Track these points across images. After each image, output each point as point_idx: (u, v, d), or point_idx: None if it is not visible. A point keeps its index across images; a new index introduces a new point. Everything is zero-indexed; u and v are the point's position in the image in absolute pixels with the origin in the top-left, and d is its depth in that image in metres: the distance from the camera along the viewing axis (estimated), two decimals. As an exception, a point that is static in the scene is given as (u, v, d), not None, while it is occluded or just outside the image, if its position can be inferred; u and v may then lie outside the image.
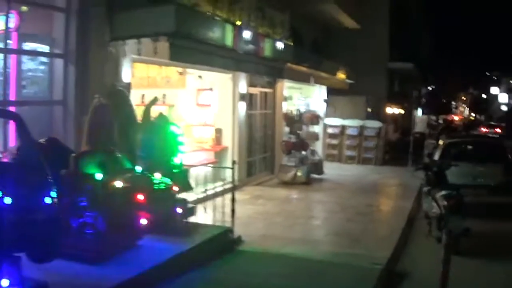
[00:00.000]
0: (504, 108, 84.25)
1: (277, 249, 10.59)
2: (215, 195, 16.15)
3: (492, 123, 62.01)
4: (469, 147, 18.27)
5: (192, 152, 16.56)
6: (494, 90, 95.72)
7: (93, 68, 11.33)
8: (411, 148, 26.15)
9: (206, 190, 15.60)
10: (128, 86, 12.26)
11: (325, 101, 26.32)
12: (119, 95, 10.42)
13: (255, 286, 8.41)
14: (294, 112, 20.28)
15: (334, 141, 26.77)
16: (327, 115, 26.75)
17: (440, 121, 66.15)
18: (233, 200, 11.00)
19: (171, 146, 10.47)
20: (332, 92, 26.46)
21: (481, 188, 15.06)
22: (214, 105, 17.75)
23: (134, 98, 18.24)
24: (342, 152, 26.62)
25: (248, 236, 11.61)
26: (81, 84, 11.06)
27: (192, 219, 10.89)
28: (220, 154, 17.62)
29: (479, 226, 13.30)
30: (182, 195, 10.83)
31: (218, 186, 16.89)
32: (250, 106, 18.93)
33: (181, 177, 10.62)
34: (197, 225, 10.83)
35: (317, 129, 25.08)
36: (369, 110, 28.01)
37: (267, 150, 20.69)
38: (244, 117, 17.96)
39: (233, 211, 10.89)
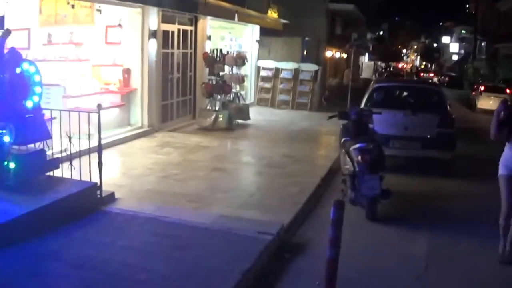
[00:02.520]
0: (455, 57, 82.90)
1: (155, 210, 8.61)
2: (118, 142, 14.34)
3: (428, 69, 61.56)
4: (403, 93, 16.15)
5: (95, 95, 14.66)
6: (445, 39, 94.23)
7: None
8: (350, 94, 24.25)
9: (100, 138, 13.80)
10: (1, 20, 10.06)
11: (258, 42, 24.27)
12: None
13: (95, 264, 6.44)
14: (216, 52, 18.05)
15: (267, 85, 24.67)
16: (261, 57, 24.71)
17: (391, 69, 64.91)
18: (99, 150, 8.88)
19: (23, 87, 8.36)
20: (266, 33, 24.40)
21: (413, 140, 12.96)
22: (123, 43, 15.71)
23: (41, 37, 16.39)
24: (275, 96, 24.57)
25: (131, 192, 9.78)
26: None
27: (58, 172, 8.94)
28: (128, 96, 15.62)
29: (407, 184, 11.69)
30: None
31: (124, 132, 15.08)
32: (166, 44, 16.76)
33: (36, 124, 8.56)
34: (60, 181, 8.81)
35: (248, 71, 23.24)
36: (305, 52, 25.92)
37: (188, 93, 18.57)
38: (155, 56, 15.80)
39: (100, 163, 8.80)
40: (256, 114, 20.34)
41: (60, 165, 8.94)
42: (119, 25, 15.56)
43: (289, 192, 10.36)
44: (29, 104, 8.42)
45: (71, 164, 8.91)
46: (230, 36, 22.80)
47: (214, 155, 13.59)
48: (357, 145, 9.42)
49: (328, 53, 29.53)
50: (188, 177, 11.16)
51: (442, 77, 55.83)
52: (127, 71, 15.53)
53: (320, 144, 17.28)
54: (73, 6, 13.74)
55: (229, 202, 9.56)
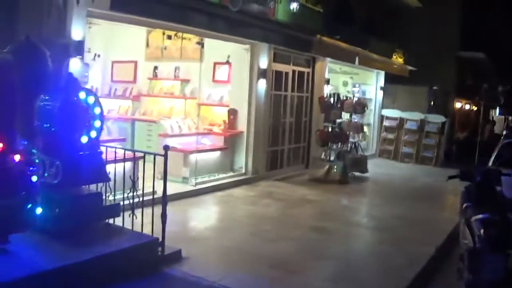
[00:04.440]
0: None
1: (224, 276, 6.78)
2: (216, 188, 12.73)
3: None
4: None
5: (194, 135, 13.31)
6: None
7: (24, 20, 8.34)
8: (478, 150, 21.51)
9: (196, 183, 12.25)
10: (79, 45, 8.76)
11: (382, 88, 22.14)
12: (30, 51, 6.86)
13: None
14: (333, 97, 16.14)
15: (390, 136, 22.26)
16: (385, 105, 22.54)
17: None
18: (164, 200, 7.18)
19: (78, 120, 6.84)
20: (391, 80, 22.26)
21: None
22: (231, 82, 14.29)
23: (147, 70, 15.41)
24: (399, 148, 22.13)
25: (206, 249, 8.19)
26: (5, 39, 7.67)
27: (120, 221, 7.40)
28: (232, 140, 14.02)
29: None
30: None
31: (225, 177, 13.47)
32: (279, 86, 15.08)
33: (91, 163, 6.99)
34: (117, 231, 7.21)
35: (371, 120, 21.31)
36: (432, 102, 23.46)
37: (302, 140, 16.71)
38: (264, 97, 14.14)
39: (163, 215, 7.12)
40: (376, 167, 18.17)
41: (122, 213, 7.36)
42: (228, 62, 14.17)
43: (395, 264, 8.20)
44: (84, 139, 6.88)
45: (133, 212, 7.25)
46: (352, 81, 20.92)
47: (318, 211, 11.59)
48: (480, 216, 7.15)
49: (457, 104, 26.89)
50: (280, 236, 9.26)
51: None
52: (233, 112, 14.01)
53: (441, 204, 14.58)
54: (169, 37, 12.44)
55: (319, 272, 7.61)
